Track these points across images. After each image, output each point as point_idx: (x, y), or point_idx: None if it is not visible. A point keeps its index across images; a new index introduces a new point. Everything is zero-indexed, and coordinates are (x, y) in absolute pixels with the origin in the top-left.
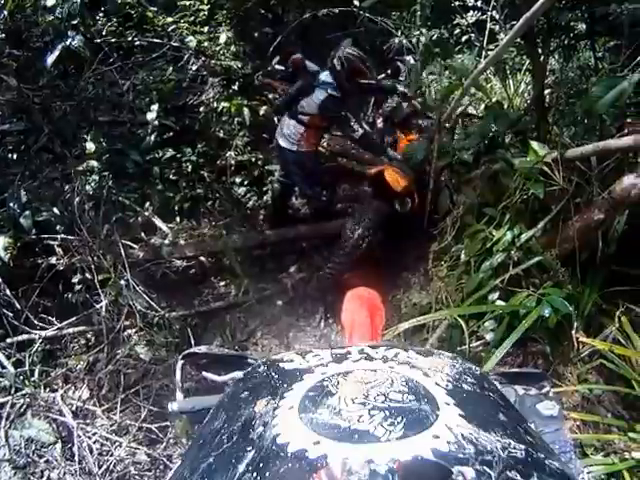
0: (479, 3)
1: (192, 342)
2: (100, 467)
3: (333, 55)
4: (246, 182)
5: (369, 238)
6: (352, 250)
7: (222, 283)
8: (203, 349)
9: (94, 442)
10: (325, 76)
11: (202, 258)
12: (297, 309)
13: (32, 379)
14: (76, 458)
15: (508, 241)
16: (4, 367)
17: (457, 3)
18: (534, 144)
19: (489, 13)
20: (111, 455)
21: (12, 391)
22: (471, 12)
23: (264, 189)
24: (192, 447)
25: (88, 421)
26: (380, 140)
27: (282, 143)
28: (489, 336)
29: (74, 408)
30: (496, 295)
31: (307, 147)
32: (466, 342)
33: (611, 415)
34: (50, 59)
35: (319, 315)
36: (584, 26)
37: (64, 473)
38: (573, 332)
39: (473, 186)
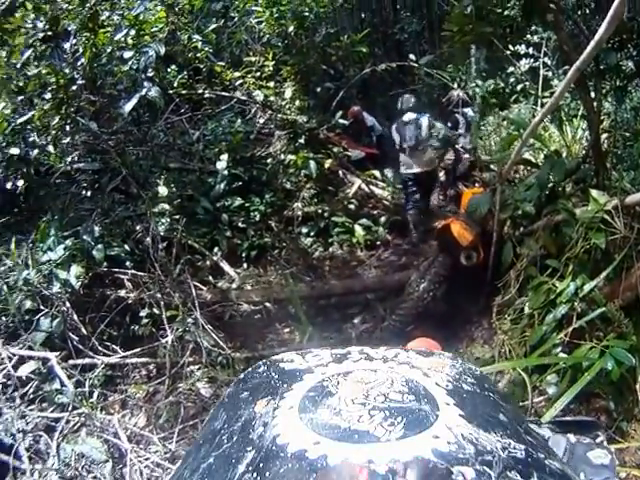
0: (531, 50)
1: None
2: None
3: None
4: (312, 233)
5: (434, 291)
6: (417, 303)
7: (286, 330)
8: None
9: (145, 467)
10: None
11: (268, 304)
12: None
13: (90, 400)
14: (127, 478)
15: (571, 292)
16: (64, 385)
17: (509, 52)
18: (594, 192)
19: (541, 60)
20: None
21: (69, 408)
22: (524, 60)
23: (329, 240)
24: (192, 447)
25: (142, 446)
26: (443, 193)
27: None
28: (551, 390)
29: (129, 433)
30: (559, 348)
31: None
32: (528, 397)
33: None
34: (128, 106)
35: None
36: (632, 65)
37: None
38: (637, 386)
39: (536, 238)
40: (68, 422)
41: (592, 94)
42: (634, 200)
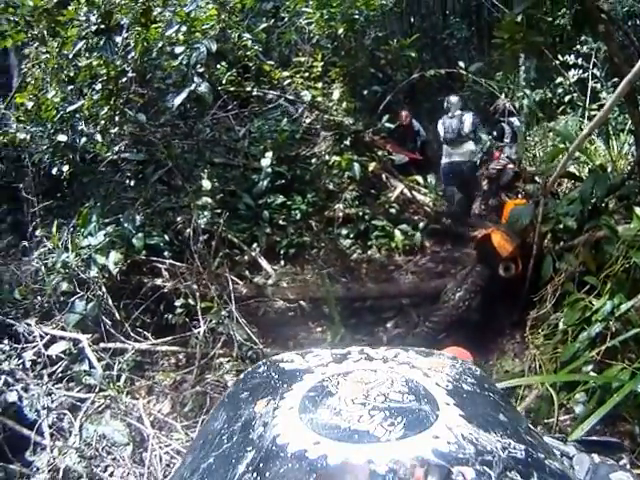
0: (580, 61)
1: None
2: (165, 477)
3: None
4: (352, 235)
5: (469, 301)
6: (451, 311)
7: (319, 329)
8: None
9: (165, 452)
10: None
11: (303, 302)
12: None
13: (117, 383)
14: (146, 462)
15: (607, 311)
16: (92, 367)
17: (558, 62)
18: (638, 210)
19: (590, 71)
20: None
21: (96, 390)
22: (572, 71)
23: (368, 243)
24: (192, 447)
25: (164, 433)
26: (485, 202)
27: None
28: (578, 409)
29: (152, 418)
30: (590, 367)
31: None
32: (554, 414)
33: None
34: (177, 100)
35: None
36: None
37: (128, 473)
38: None
39: (575, 253)
40: (93, 403)
41: None
42: None
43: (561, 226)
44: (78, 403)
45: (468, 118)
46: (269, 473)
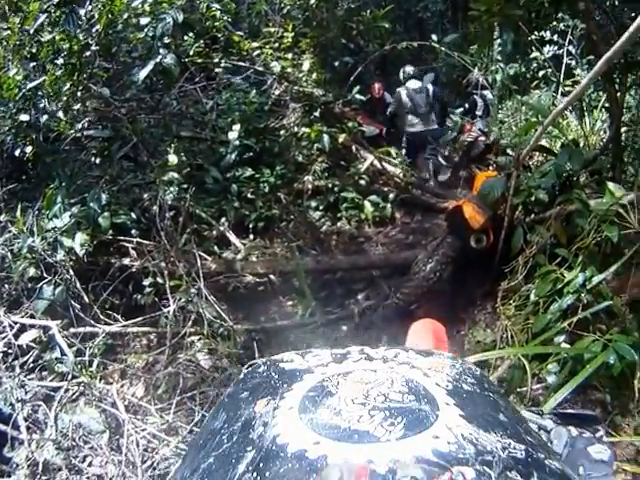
0: (556, 37)
1: (255, 356)
2: (144, 462)
3: None
4: (321, 207)
5: (440, 272)
6: (422, 282)
7: (290, 303)
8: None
9: (142, 437)
10: None
11: (272, 276)
12: (361, 335)
13: (90, 369)
14: (123, 449)
15: (579, 283)
16: (64, 354)
17: (534, 37)
18: (610, 185)
19: (565, 48)
20: (157, 453)
21: (68, 377)
22: (548, 47)
23: (338, 215)
24: (192, 447)
25: (139, 417)
26: (456, 174)
27: None
28: (551, 379)
29: (127, 403)
30: (562, 338)
31: None
32: (527, 384)
33: None
34: (142, 73)
35: (382, 344)
36: None
37: (107, 462)
38: (636, 382)
39: (547, 226)
40: (67, 391)
41: (616, 87)
42: None
43: (533, 199)
44: (52, 393)
45: (431, 89)
46: (269, 473)
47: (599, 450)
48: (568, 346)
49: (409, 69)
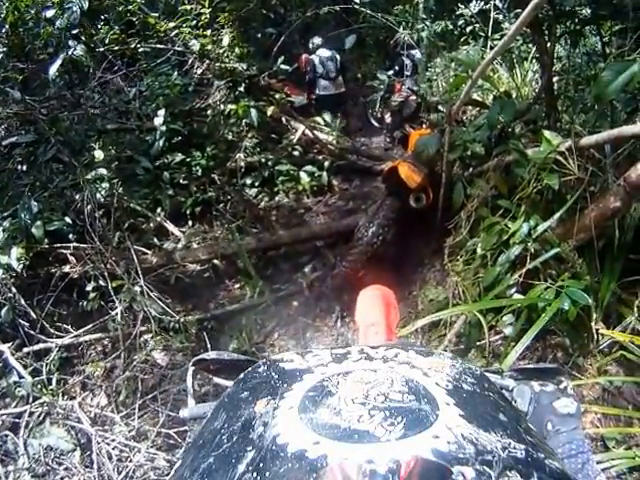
0: None
1: (209, 346)
2: (119, 473)
3: None
4: (257, 183)
5: (383, 235)
6: (366, 248)
7: (237, 285)
8: (212, 355)
9: (113, 448)
10: None
11: (216, 261)
12: (313, 309)
13: (50, 387)
14: (95, 465)
15: (524, 233)
16: (21, 377)
17: None
18: (547, 133)
19: (492, 2)
20: (130, 461)
21: (30, 400)
22: (474, 2)
23: (275, 189)
24: (192, 447)
25: (106, 427)
26: (390, 135)
27: None
28: (508, 330)
29: (92, 415)
30: (514, 289)
31: None
32: (485, 337)
33: (632, 407)
34: (52, 69)
35: (335, 314)
36: (589, 11)
37: None
38: (592, 324)
39: (486, 178)
40: (31, 415)
41: (546, 37)
42: (588, 142)
43: (469, 153)
44: (17, 420)
45: (337, 56)
46: (269, 473)
47: (565, 404)
48: (521, 297)
49: (317, 40)
